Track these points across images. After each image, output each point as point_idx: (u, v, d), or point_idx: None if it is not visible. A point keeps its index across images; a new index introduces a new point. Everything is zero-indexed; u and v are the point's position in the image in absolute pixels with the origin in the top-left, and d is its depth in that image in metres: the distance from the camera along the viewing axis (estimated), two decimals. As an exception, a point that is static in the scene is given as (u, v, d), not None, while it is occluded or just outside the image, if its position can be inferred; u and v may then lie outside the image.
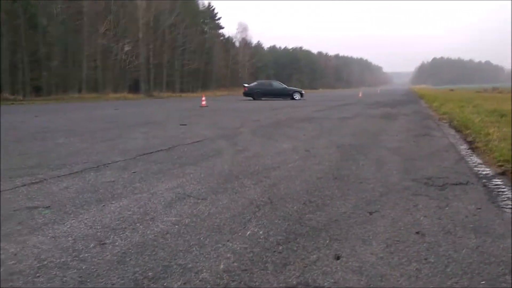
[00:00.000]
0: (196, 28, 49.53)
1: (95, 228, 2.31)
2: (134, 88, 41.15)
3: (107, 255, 1.93)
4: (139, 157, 4.69)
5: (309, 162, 4.30)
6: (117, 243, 2.08)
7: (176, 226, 2.32)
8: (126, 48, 40.08)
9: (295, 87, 33.11)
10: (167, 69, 44.99)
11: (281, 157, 4.64)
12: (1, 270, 1.77)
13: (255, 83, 28.05)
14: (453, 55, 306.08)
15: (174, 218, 2.46)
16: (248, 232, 2.22)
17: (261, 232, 2.22)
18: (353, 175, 3.65)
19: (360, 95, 32.05)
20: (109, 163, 4.29)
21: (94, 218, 2.48)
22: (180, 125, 8.51)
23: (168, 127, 8.12)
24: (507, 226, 2.31)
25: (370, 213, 2.54)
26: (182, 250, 1.98)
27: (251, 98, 24.91)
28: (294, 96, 25.20)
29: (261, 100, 23.67)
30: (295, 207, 2.70)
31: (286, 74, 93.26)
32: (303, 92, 26.66)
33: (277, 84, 26.95)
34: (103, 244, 2.07)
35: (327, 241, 2.09)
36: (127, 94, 37.13)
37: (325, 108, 14.52)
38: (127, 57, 39.89)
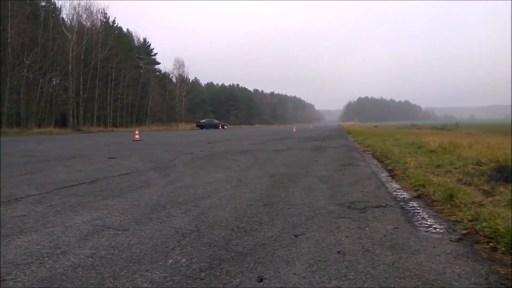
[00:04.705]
0: (131, 63, 48.64)
1: (-6, 265, 2.05)
2: (61, 122, 38.82)
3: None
4: (57, 190, 4.34)
5: (241, 191, 4.29)
6: (19, 279, 1.86)
7: (90, 259, 2.14)
8: (54, 81, 38.00)
9: (226, 122, 54.36)
10: (99, 103, 43.21)
11: (213, 186, 4.58)
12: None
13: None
14: (376, 95, 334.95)
15: (88, 251, 2.27)
16: (170, 261, 2.11)
17: (184, 260, 2.12)
18: (282, 202, 3.70)
19: (294, 130, 33.34)
20: (23, 197, 3.91)
21: (-6, 255, 2.20)
22: (109, 158, 8.10)
23: (95, 161, 7.66)
24: (421, 243, 2.46)
25: (296, 236, 2.57)
26: (94, 283, 1.82)
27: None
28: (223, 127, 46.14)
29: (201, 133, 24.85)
30: (222, 233, 2.64)
31: (224, 110, 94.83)
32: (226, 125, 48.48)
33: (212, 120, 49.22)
34: (3, 280, 1.84)
35: (252, 265, 2.05)
36: (53, 128, 34.88)
37: (261, 142, 14.80)
38: (54, 90, 37.73)
